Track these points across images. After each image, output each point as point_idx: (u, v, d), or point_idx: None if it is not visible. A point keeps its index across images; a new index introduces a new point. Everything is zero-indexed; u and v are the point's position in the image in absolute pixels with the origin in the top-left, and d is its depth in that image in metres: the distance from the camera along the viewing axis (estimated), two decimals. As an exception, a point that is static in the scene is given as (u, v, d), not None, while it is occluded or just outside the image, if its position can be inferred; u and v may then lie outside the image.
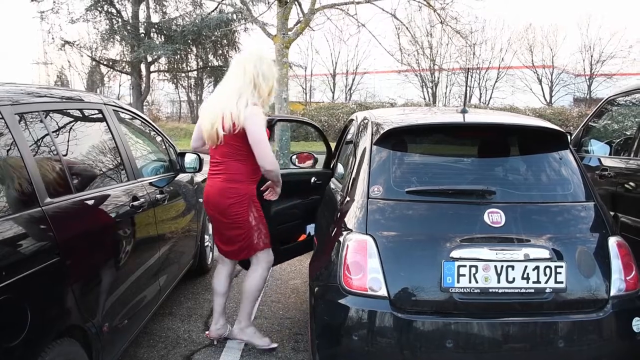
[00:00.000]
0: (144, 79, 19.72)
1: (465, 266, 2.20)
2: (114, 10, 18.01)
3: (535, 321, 2.24)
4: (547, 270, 2.24)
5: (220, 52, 19.27)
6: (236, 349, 3.28)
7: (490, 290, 2.21)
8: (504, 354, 2.22)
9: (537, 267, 2.23)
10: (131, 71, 19.69)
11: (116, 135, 3.08)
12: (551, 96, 31.42)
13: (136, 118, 3.75)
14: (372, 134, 2.69)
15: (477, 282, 2.20)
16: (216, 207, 3.15)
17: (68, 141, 2.58)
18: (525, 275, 2.22)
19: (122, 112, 3.45)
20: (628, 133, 4.02)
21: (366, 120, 2.97)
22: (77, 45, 18.22)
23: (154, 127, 4.02)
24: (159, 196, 3.35)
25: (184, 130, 22.22)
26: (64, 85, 27.77)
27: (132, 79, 19.84)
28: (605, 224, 2.46)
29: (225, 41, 18.57)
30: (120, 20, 18.09)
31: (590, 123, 4.65)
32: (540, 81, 31.52)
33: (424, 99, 30.74)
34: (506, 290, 2.22)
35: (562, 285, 2.24)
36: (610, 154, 4.21)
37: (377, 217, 2.37)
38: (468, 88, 31.73)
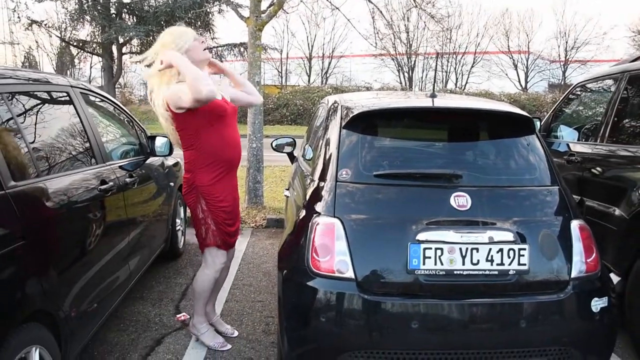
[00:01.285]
0: (116, 60, 19.29)
1: (430, 249, 2.24)
2: (83, -11, 17.53)
3: (499, 302, 2.29)
4: (511, 252, 2.29)
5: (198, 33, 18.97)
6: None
7: (455, 272, 2.26)
8: (468, 334, 2.27)
9: (501, 250, 2.28)
10: (102, 53, 19.23)
11: (84, 118, 3.03)
12: (526, 82, 31.85)
13: (105, 101, 3.69)
14: (341, 118, 2.69)
15: (442, 264, 2.24)
16: None
17: (34, 124, 2.53)
18: (489, 258, 2.27)
19: (91, 95, 3.39)
20: (595, 119, 4.11)
21: (336, 104, 2.98)
22: (45, 25, 17.67)
23: (123, 110, 3.97)
24: (128, 180, 3.31)
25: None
26: (32, 66, 26.99)
27: (103, 60, 19.39)
28: (569, 208, 2.52)
29: (199, 23, 18.22)
30: (90, 0, 17.60)
31: (559, 109, 4.73)
32: (516, 67, 31.90)
33: (400, 83, 30.83)
34: (471, 272, 2.26)
35: (525, 267, 2.29)
36: (578, 140, 4.30)
37: (345, 200, 2.39)
38: (445, 73, 31.94)
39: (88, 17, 17.68)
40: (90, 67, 28.91)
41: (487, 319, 2.29)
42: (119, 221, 3.17)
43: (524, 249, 2.30)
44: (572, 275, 2.36)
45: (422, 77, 31.88)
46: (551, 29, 33.09)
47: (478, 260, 2.27)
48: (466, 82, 31.51)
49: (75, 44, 19.73)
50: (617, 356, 3.18)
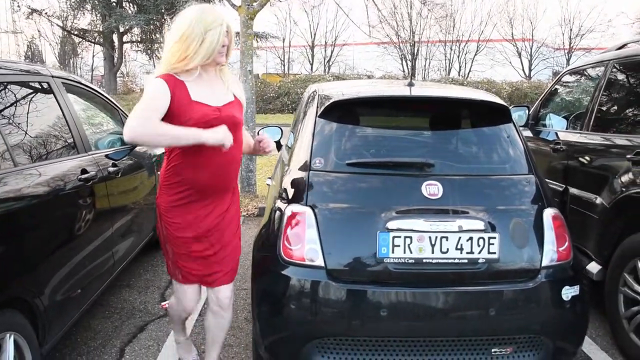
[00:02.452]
0: (116, 50, 19.29)
1: (399, 237, 2.26)
2: (84, -22, 17.49)
3: (469, 290, 2.31)
4: (481, 241, 2.30)
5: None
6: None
7: (425, 260, 2.27)
8: (438, 322, 2.29)
9: (470, 238, 2.29)
10: (103, 42, 19.24)
11: (65, 108, 3.05)
12: (530, 69, 31.66)
13: (90, 91, 3.71)
14: (317, 107, 2.70)
15: (411, 252, 2.26)
16: None
17: (12, 115, 2.55)
18: (459, 246, 2.29)
19: (74, 85, 3.40)
20: (581, 108, 4.09)
21: (314, 93, 2.98)
22: (46, 14, 17.67)
23: (109, 100, 3.98)
24: (111, 169, 3.33)
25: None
26: (35, 55, 27.02)
27: (104, 49, 19.38)
28: (542, 197, 2.52)
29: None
30: (91, -12, 17.59)
31: (547, 97, 4.72)
32: (519, 54, 31.70)
33: (403, 71, 30.70)
34: (440, 261, 2.28)
35: (495, 256, 2.31)
36: (567, 128, 4.29)
37: (318, 189, 2.41)
38: (448, 61, 31.75)
39: (88, 6, 17.67)
40: (93, 56, 28.96)
41: (457, 307, 2.31)
42: (101, 210, 3.19)
43: (494, 238, 2.31)
44: (543, 264, 2.37)
45: (424, 65, 31.74)
46: (555, 17, 32.76)
47: (447, 249, 2.28)
48: (469, 71, 31.35)
49: (76, 33, 19.72)
50: (596, 344, 3.21)
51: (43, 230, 2.51)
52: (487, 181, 2.51)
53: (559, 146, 4.04)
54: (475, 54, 31.19)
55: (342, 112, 2.63)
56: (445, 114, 2.82)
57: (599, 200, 3.39)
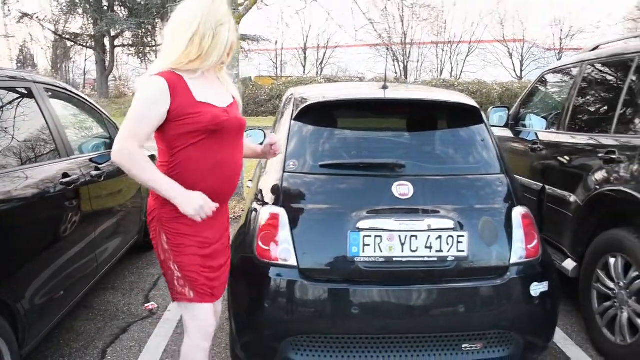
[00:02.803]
0: (108, 53, 19.30)
1: (370, 236, 2.32)
2: (75, -18, 17.51)
3: (439, 288, 2.37)
4: (450, 239, 2.36)
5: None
6: (172, 320, 3.38)
7: (394, 259, 2.33)
8: (408, 319, 2.35)
9: (439, 237, 2.36)
10: (94, 45, 19.24)
11: (46, 113, 3.09)
12: (521, 70, 31.81)
13: (73, 97, 3.75)
14: (292, 110, 2.76)
15: (381, 251, 2.32)
16: None
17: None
18: (428, 245, 2.35)
19: (56, 91, 3.44)
20: (557, 108, 4.17)
21: (291, 96, 3.04)
22: (37, 17, 17.68)
23: (93, 105, 4.03)
24: (94, 173, 3.38)
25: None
26: (27, 59, 26.98)
27: (95, 53, 19.38)
28: (512, 196, 2.58)
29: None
30: (82, -8, 17.61)
31: (526, 98, 4.79)
32: (511, 55, 31.87)
33: (395, 73, 30.82)
34: (410, 259, 2.34)
35: (464, 254, 2.37)
36: (546, 128, 4.36)
37: (291, 191, 2.46)
38: (440, 63, 31.88)
39: (80, 10, 17.69)
40: (85, 60, 28.93)
41: (427, 305, 2.36)
42: (84, 213, 3.23)
43: (463, 236, 2.37)
44: (512, 261, 2.42)
45: (417, 67, 31.86)
46: (546, 17, 33.01)
47: (417, 247, 2.34)
48: (461, 72, 31.51)
49: (67, 37, 19.73)
50: (571, 339, 3.27)
51: (22, 232, 2.55)
52: (457, 181, 2.58)
53: (536, 146, 4.12)
54: (467, 55, 31.36)
55: (316, 115, 2.69)
56: (417, 116, 2.88)
57: (573, 198, 3.46)
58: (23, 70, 3.25)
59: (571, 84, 3.91)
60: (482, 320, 2.40)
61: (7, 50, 28.25)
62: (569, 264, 3.49)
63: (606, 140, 3.24)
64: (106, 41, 19.12)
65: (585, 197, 3.30)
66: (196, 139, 1.97)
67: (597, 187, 3.18)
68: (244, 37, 19.42)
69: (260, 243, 2.38)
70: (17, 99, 2.90)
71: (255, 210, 2.53)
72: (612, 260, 3.03)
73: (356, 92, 3.34)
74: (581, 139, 3.56)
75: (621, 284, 2.96)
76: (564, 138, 3.77)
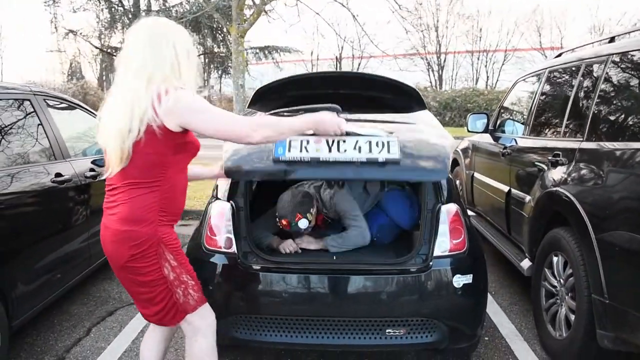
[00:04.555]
0: (146, 65, 20.13)
1: (297, 141, 2.42)
2: (115, -1, 18.48)
3: (365, 277, 2.61)
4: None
5: (221, 38, 19.59)
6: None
7: (321, 159, 2.41)
8: (335, 304, 2.60)
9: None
10: (134, 58, 20.09)
11: (44, 121, 3.52)
12: (560, 78, 31.16)
13: (73, 106, 4.21)
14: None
15: (307, 152, 2.42)
16: (113, 261, 2.14)
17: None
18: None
19: (56, 102, 3.88)
20: (525, 114, 4.34)
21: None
22: (81, 34, 18.72)
23: (91, 112, 4.45)
24: (89, 173, 3.79)
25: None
26: (75, 72, 28.52)
27: (135, 65, 20.22)
28: (442, 194, 2.78)
29: (225, 27, 18.89)
30: (122, 8, 18.54)
31: (502, 105, 4.97)
32: (549, 63, 31.29)
33: (430, 82, 30.80)
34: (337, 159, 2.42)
35: (397, 157, 2.41)
36: (524, 134, 4.53)
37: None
38: (475, 71, 31.63)
39: (119, 25, 18.60)
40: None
41: (353, 292, 2.60)
42: (78, 210, 3.65)
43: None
44: (435, 254, 2.64)
45: (452, 76, 31.74)
46: (585, 24, 32.24)
47: (345, 150, 2.41)
48: (497, 80, 31.17)
49: (109, 51, 20.73)
50: (521, 335, 3.43)
51: (17, 226, 2.96)
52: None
53: (505, 150, 4.30)
54: (502, 64, 31.01)
55: (265, 100, 2.97)
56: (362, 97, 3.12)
57: (527, 199, 3.64)
58: (25, 84, 3.71)
59: (535, 91, 4.09)
60: (404, 307, 2.59)
61: (59, 65, 29.96)
62: (525, 264, 3.66)
63: (555, 143, 3.41)
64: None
65: (535, 197, 3.47)
66: (187, 162, 2.17)
67: (543, 188, 3.36)
68: (275, 49, 19.95)
69: (209, 233, 2.69)
70: (17, 109, 3.34)
71: (209, 204, 2.85)
72: (555, 259, 3.19)
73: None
74: (539, 143, 3.74)
75: (561, 281, 3.12)
76: (527, 142, 3.95)
